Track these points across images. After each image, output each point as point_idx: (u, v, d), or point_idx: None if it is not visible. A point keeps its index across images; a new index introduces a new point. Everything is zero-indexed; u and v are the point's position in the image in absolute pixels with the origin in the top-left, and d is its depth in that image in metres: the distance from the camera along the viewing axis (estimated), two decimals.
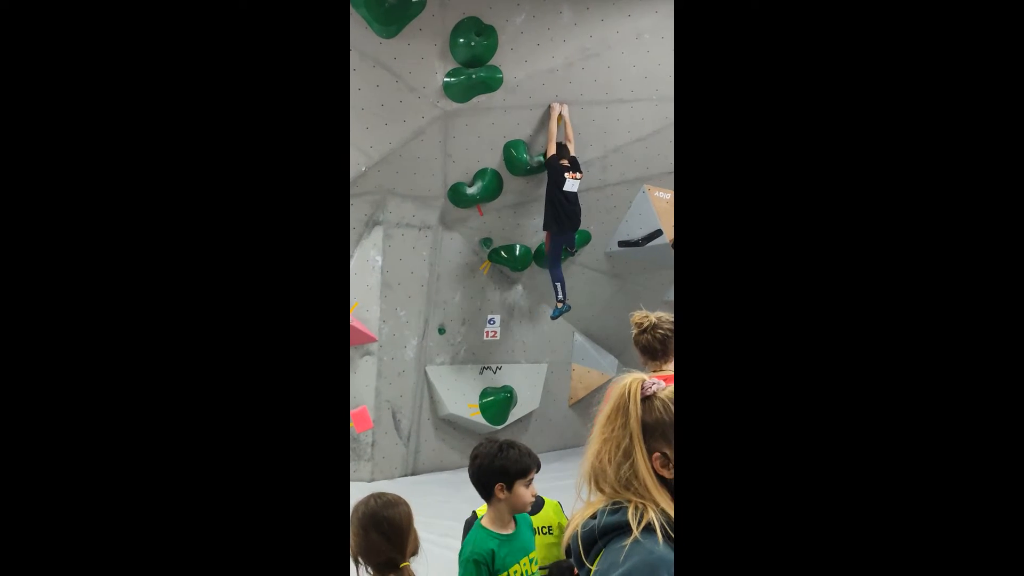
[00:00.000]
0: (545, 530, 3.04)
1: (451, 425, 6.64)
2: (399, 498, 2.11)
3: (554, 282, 6.16)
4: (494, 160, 6.21)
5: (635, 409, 1.36)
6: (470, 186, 6.23)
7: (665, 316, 2.67)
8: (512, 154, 6.18)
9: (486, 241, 6.54)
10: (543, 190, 6.46)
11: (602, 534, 1.33)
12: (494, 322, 6.74)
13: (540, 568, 2.96)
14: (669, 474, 1.34)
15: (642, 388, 1.39)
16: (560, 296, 6.12)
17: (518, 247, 6.61)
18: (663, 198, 6.70)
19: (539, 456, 2.59)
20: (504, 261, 6.61)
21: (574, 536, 1.38)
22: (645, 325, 2.65)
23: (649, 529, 1.28)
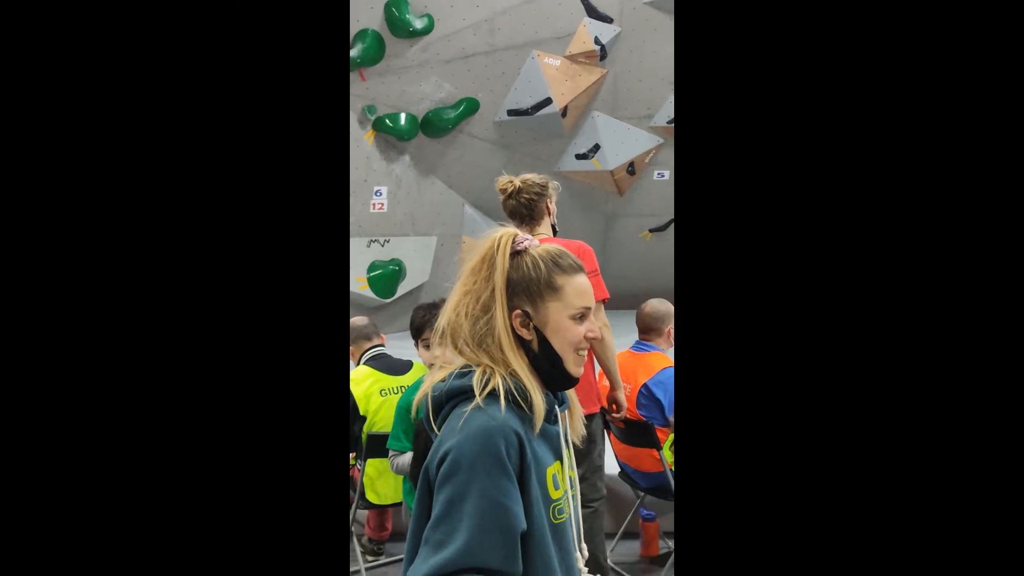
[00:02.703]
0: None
1: None
2: None
3: None
4: (374, 20, 5.87)
5: (502, 262, 1.31)
6: (350, 48, 5.89)
7: (531, 178, 2.61)
8: (394, 14, 5.85)
9: (370, 108, 6.27)
10: (429, 54, 6.19)
11: (448, 398, 1.30)
12: (380, 194, 6.57)
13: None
14: (528, 334, 1.31)
15: (513, 242, 1.33)
16: None
17: (404, 115, 6.38)
18: (553, 65, 6.53)
19: None
20: (390, 130, 6.38)
21: (424, 399, 1.34)
22: (510, 190, 2.59)
23: (493, 395, 1.25)
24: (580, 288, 1.33)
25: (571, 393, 1.42)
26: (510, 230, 1.35)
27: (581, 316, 1.32)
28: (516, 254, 1.33)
